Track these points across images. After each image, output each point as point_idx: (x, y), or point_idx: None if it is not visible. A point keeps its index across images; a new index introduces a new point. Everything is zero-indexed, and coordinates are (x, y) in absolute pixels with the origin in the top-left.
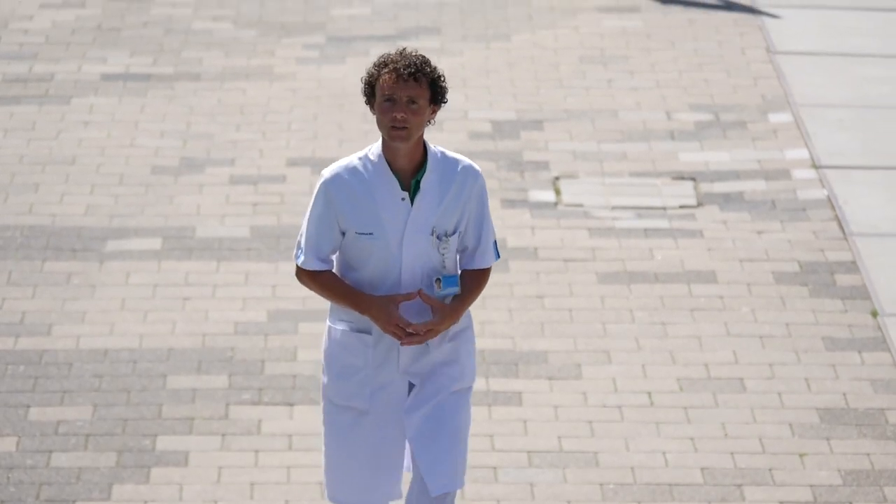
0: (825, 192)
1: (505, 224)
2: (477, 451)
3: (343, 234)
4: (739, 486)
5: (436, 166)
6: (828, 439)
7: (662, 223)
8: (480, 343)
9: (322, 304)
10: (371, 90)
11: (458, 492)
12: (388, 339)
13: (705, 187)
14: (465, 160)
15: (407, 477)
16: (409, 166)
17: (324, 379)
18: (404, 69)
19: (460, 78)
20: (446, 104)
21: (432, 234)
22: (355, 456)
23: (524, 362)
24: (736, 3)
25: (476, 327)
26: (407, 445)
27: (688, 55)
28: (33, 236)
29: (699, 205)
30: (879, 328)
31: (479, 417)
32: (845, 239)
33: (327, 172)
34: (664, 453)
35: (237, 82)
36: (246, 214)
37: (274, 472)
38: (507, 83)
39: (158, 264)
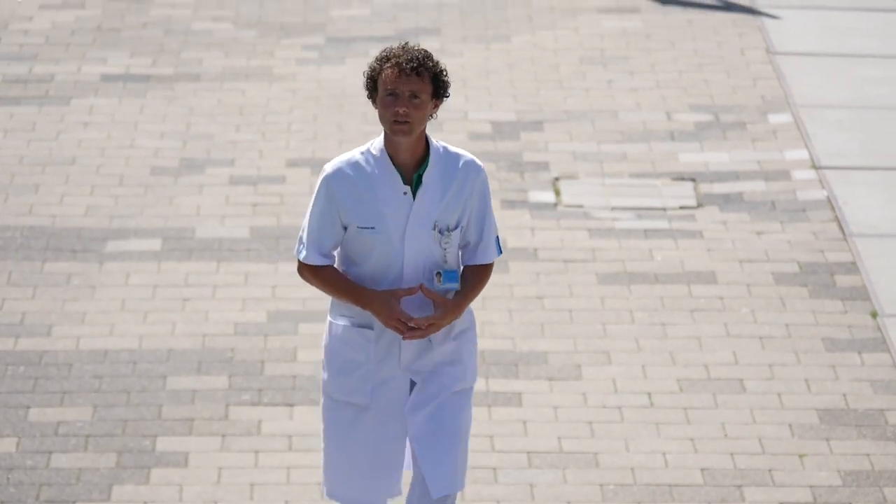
0: (825, 192)
1: (505, 225)
2: (477, 451)
3: (345, 228)
4: (739, 486)
5: (438, 161)
6: (827, 440)
7: (662, 224)
8: (480, 344)
9: (322, 304)
10: (373, 84)
11: (458, 493)
12: (390, 335)
13: (705, 188)
14: (468, 155)
15: (407, 475)
16: (411, 160)
17: (324, 375)
18: (406, 64)
19: (460, 79)
20: (448, 98)
21: (434, 229)
22: (355, 452)
23: (524, 363)
24: (735, 3)
25: (476, 328)
26: (408, 444)
27: (687, 56)
28: (33, 237)
29: (699, 205)
30: (879, 329)
31: (479, 418)
32: (845, 240)
33: (329, 167)
34: (664, 454)
35: (237, 83)
36: (246, 215)
37: (274, 473)
38: (507, 84)
39: (158, 265)
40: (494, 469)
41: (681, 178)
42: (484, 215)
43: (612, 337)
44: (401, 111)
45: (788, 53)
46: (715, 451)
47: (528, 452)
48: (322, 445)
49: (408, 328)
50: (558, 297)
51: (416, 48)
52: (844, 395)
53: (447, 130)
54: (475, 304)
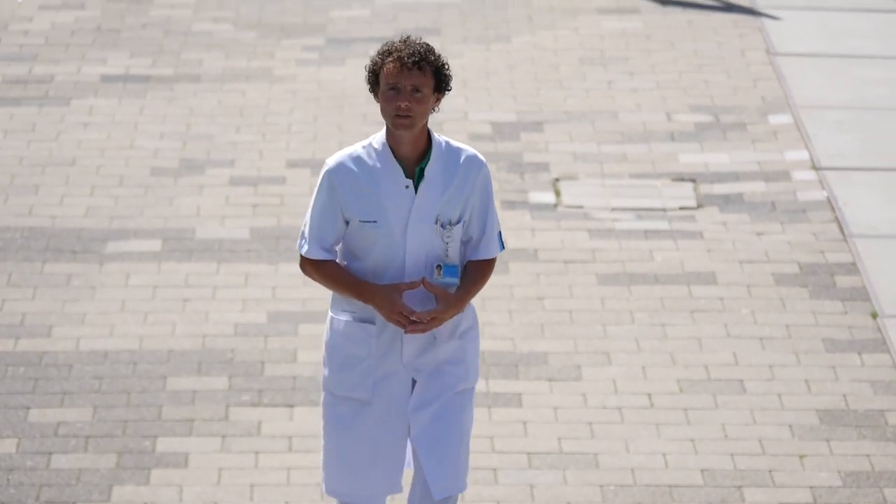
0: (825, 193)
1: (505, 226)
2: (477, 452)
3: (347, 223)
4: (739, 487)
5: (440, 155)
6: (828, 441)
7: (662, 224)
8: (480, 345)
9: (322, 305)
10: (375, 78)
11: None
12: (392, 330)
13: (705, 189)
14: (470, 150)
15: (408, 474)
16: (413, 154)
17: (325, 371)
18: (408, 58)
19: (460, 79)
20: (450, 91)
21: (436, 223)
22: (355, 448)
23: (524, 364)
24: (735, 4)
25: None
26: (408, 442)
27: (687, 56)
28: (33, 238)
29: (699, 206)
30: (879, 329)
31: (479, 419)
32: (845, 240)
33: (331, 161)
34: (664, 455)
35: (237, 84)
36: (246, 216)
37: (274, 474)
38: (507, 85)
39: (158, 266)
40: (494, 470)
41: (681, 178)
42: (486, 210)
43: (612, 338)
44: (403, 105)
45: (788, 54)
46: (715, 451)
47: (529, 453)
48: (322, 443)
49: (409, 322)
50: (558, 298)
51: (417, 42)
52: (844, 395)
53: (447, 131)
54: (475, 304)
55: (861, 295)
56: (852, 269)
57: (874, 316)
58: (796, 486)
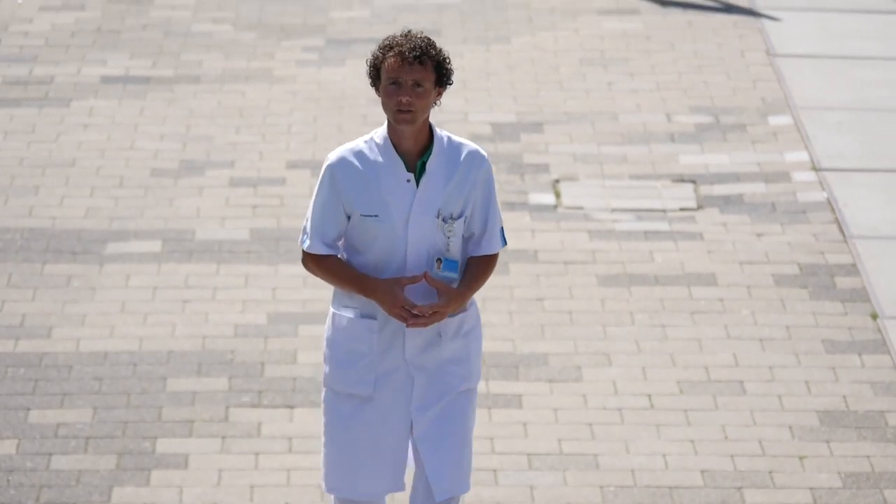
0: (825, 194)
1: (505, 226)
2: (477, 453)
3: (348, 217)
4: (739, 488)
5: (441, 149)
6: (828, 442)
7: (662, 226)
8: None
9: (322, 306)
10: (376, 72)
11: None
12: (394, 325)
13: (705, 190)
14: (472, 145)
15: (409, 474)
16: (414, 148)
17: (325, 368)
18: (409, 52)
19: (460, 80)
20: (451, 85)
21: (438, 217)
22: (356, 445)
23: (524, 365)
24: (735, 5)
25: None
26: (410, 442)
27: (687, 57)
28: (33, 239)
29: (699, 207)
30: (879, 330)
31: (479, 420)
32: (845, 241)
33: (332, 156)
34: (664, 456)
35: (237, 85)
36: (246, 217)
37: (274, 475)
38: (507, 85)
39: (158, 267)
40: (495, 471)
41: (681, 179)
42: (488, 206)
43: (612, 339)
44: (404, 100)
45: (788, 55)
46: (715, 452)
47: (529, 454)
48: (322, 440)
49: (411, 315)
50: (558, 299)
51: (419, 36)
52: (844, 396)
53: (447, 132)
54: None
55: (861, 296)
56: (852, 270)
57: (874, 317)
58: (796, 487)
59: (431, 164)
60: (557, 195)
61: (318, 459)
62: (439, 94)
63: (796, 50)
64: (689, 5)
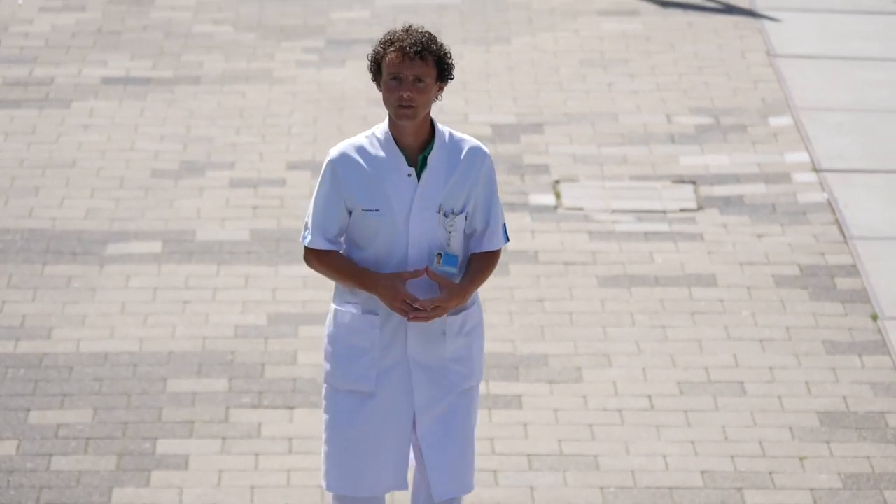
0: (825, 195)
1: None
2: (477, 454)
3: (350, 212)
4: (739, 489)
5: (443, 144)
6: (828, 443)
7: (663, 226)
8: None
9: (322, 307)
10: (377, 68)
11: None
12: (396, 321)
13: (705, 191)
14: (473, 140)
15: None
16: (415, 143)
17: (326, 366)
18: (410, 48)
19: (460, 81)
20: (452, 80)
21: (439, 212)
22: (358, 441)
23: (524, 366)
24: (736, 6)
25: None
26: (411, 440)
27: (688, 58)
28: (33, 240)
29: (699, 208)
30: (879, 331)
31: (479, 420)
32: (845, 242)
33: (334, 151)
34: (664, 457)
35: (237, 86)
36: (246, 218)
37: (274, 476)
38: (507, 86)
39: (158, 268)
40: (495, 472)
41: (681, 180)
42: (490, 202)
43: (612, 339)
44: (405, 96)
45: (789, 56)
46: (715, 453)
47: (529, 455)
48: (323, 438)
49: (413, 309)
50: (559, 300)
51: (419, 31)
52: (845, 397)
53: None
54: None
55: (861, 297)
56: (852, 271)
57: (874, 318)
58: (796, 487)
59: (433, 158)
60: (558, 196)
61: (319, 460)
62: (440, 89)
63: (797, 51)
64: (689, 6)
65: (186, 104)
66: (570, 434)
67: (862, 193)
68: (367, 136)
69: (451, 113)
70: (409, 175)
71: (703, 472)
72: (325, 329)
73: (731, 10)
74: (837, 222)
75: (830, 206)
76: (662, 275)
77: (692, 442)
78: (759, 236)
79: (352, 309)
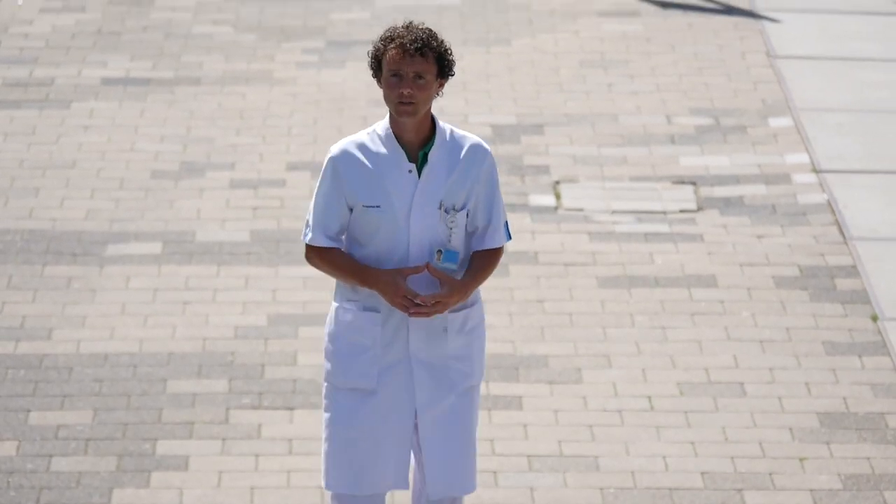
0: (825, 196)
1: None
2: (478, 454)
3: (350, 210)
4: (740, 490)
5: (444, 140)
6: (828, 444)
7: (663, 227)
8: None
9: (322, 308)
10: (377, 64)
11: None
12: (398, 317)
13: (705, 191)
14: (474, 137)
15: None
16: (416, 139)
17: (327, 365)
18: (410, 44)
19: (460, 82)
20: (453, 76)
21: (440, 208)
22: (358, 440)
23: (524, 366)
24: (736, 7)
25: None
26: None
27: (688, 59)
28: (33, 240)
29: (699, 209)
30: (879, 332)
31: (479, 421)
32: (845, 243)
33: (335, 148)
34: (664, 457)
35: (237, 86)
36: (246, 218)
37: (274, 477)
38: (507, 87)
39: (159, 268)
40: (495, 472)
41: (681, 181)
42: (492, 199)
43: (612, 340)
44: (405, 92)
45: (789, 57)
46: (715, 454)
47: (529, 456)
48: (323, 436)
49: (413, 304)
50: (559, 301)
51: (420, 27)
52: (845, 398)
53: None
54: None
55: (861, 298)
56: (852, 271)
57: (874, 319)
58: (796, 488)
59: (433, 154)
60: (558, 197)
61: (319, 461)
62: (441, 86)
63: (796, 51)
64: (689, 7)
65: (186, 105)
66: (570, 435)
67: (862, 194)
68: (368, 133)
69: (451, 113)
70: (410, 171)
71: (703, 473)
72: (326, 328)
73: (731, 11)
74: (837, 223)
75: (830, 206)
76: (662, 275)
77: (692, 443)
78: (759, 237)
79: (353, 306)
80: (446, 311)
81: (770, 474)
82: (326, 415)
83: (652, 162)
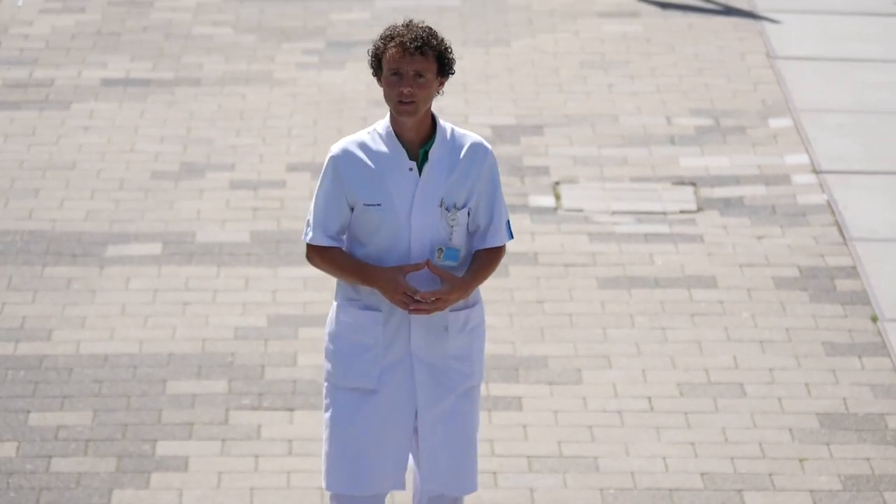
0: (825, 197)
1: None
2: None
3: (351, 209)
4: (739, 491)
5: (444, 138)
6: (828, 444)
7: (663, 228)
8: None
9: (323, 308)
10: (377, 63)
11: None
12: (399, 317)
13: (705, 192)
14: (475, 136)
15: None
16: (417, 138)
17: (328, 364)
18: (410, 43)
19: (460, 83)
20: (454, 75)
21: (441, 206)
22: (360, 439)
23: (524, 367)
24: (736, 8)
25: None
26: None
27: (688, 60)
28: (33, 241)
29: (699, 210)
30: (879, 333)
31: (479, 422)
32: (845, 244)
33: (335, 148)
34: (664, 458)
35: (237, 87)
36: (246, 219)
37: (274, 478)
38: (507, 88)
39: (158, 269)
40: (494, 473)
41: (681, 182)
42: (493, 198)
43: (612, 341)
44: (405, 91)
45: (789, 58)
46: (715, 455)
47: (529, 457)
48: (324, 437)
49: (413, 301)
50: (559, 302)
51: (420, 26)
52: (845, 399)
53: None
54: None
55: (861, 298)
56: (852, 272)
57: (874, 319)
58: (796, 489)
59: (434, 152)
60: (557, 197)
61: (319, 462)
62: (441, 84)
63: (797, 52)
64: (689, 8)
65: (186, 106)
66: (570, 435)
67: (862, 195)
68: (368, 132)
69: (451, 114)
70: (411, 169)
71: (702, 474)
72: (327, 327)
73: (731, 11)
74: (837, 224)
75: (830, 207)
76: (662, 276)
77: (692, 443)
78: (759, 238)
79: (354, 306)
80: (447, 310)
81: (770, 475)
82: (327, 415)
83: (652, 162)
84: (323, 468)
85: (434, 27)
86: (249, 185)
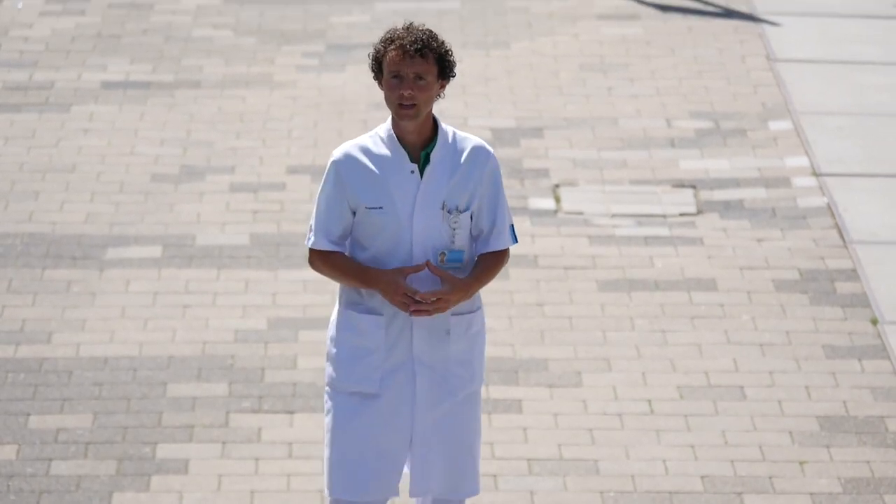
0: (825, 199)
1: None
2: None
3: (353, 213)
4: (740, 493)
5: (446, 141)
6: (828, 447)
7: (662, 231)
8: None
9: (323, 312)
10: (378, 66)
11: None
12: (401, 320)
13: (705, 195)
14: (477, 139)
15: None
16: (418, 140)
17: (329, 369)
18: (411, 45)
19: (459, 85)
20: (454, 77)
21: (442, 208)
22: (361, 443)
23: (524, 370)
24: (736, 10)
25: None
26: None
27: (688, 62)
28: (33, 244)
29: (699, 212)
30: (879, 336)
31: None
32: (845, 247)
33: (337, 152)
34: (664, 461)
35: (237, 90)
36: (246, 222)
37: (274, 480)
38: (506, 91)
39: (158, 272)
40: (495, 476)
41: (681, 185)
42: (496, 202)
43: (612, 344)
44: (406, 94)
45: (789, 60)
46: (715, 458)
47: (529, 459)
48: (325, 442)
49: (413, 302)
50: (558, 304)
51: (420, 28)
52: (845, 402)
53: None
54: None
55: (861, 301)
56: (852, 275)
57: (874, 322)
58: (796, 492)
59: (436, 155)
60: (557, 200)
61: (319, 465)
62: (442, 87)
63: (796, 55)
64: (689, 10)
65: (186, 108)
66: (570, 438)
67: (862, 197)
68: (370, 136)
69: (450, 117)
70: (412, 172)
71: (703, 477)
72: (329, 331)
73: (730, 14)
74: (837, 226)
75: (830, 210)
76: (662, 279)
77: (692, 446)
78: (759, 240)
79: (357, 310)
80: (449, 314)
81: (770, 478)
82: (328, 419)
83: (652, 165)
84: (325, 474)
85: (434, 30)
86: (249, 187)
